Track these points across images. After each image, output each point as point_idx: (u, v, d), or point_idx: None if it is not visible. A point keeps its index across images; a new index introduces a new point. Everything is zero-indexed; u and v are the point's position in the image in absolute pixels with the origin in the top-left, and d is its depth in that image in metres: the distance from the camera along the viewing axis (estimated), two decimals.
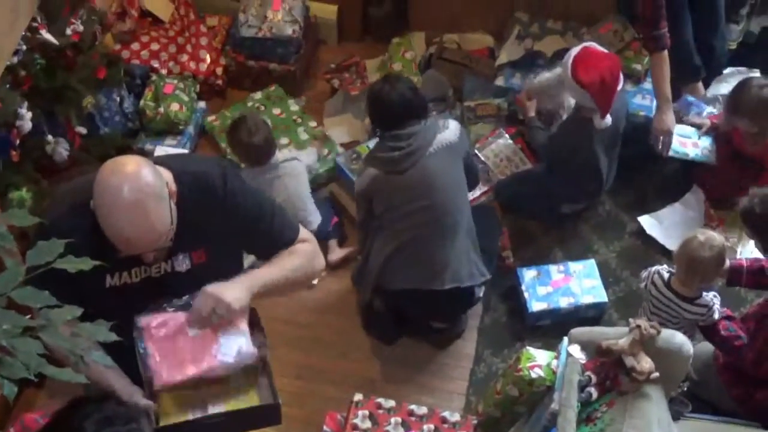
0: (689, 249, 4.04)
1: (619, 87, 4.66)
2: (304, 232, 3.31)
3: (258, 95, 5.47)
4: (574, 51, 4.69)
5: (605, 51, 4.70)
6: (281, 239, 3.24)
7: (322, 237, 4.80)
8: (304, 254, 3.26)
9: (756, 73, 5.34)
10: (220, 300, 3.00)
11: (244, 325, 3.09)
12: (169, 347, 3.03)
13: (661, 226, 5.10)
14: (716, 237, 4.08)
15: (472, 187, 4.64)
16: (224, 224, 3.08)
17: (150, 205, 2.77)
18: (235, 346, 3.05)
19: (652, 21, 4.93)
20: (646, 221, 5.11)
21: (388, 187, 4.30)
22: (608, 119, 4.63)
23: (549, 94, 5.08)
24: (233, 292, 3.02)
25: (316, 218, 4.91)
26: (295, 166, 4.86)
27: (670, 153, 5.01)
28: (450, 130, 4.34)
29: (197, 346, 3.05)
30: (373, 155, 4.39)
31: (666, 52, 4.97)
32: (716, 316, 4.08)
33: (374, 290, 4.56)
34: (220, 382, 3.10)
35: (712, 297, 4.13)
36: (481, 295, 4.62)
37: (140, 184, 2.77)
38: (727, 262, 4.22)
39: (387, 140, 4.31)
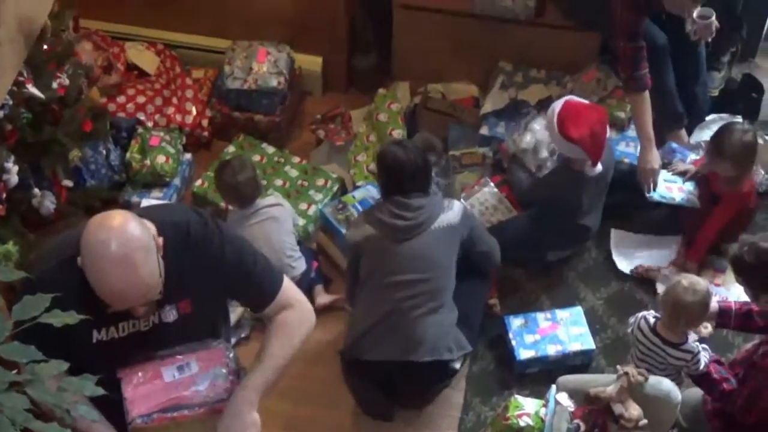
0: (674, 293, 4.06)
1: (607, 135, 4.69)
2: (291, 291, 3.30)
3: (231, 148, 5.47)
4: (557, 107, 4.70)
5: (587, 102, 4.73)
6: (265, 288, 3.24)
7: (305, 284, 4.81)
8: (292, 329, 3.27)
9: (738, 119, 5.39)
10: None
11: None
12: (146, 387, 3.04)
13: (625, 247, 5.18)
14: (700, 282, 4.11)
15: (491, 265, 4.68)
16: (207, 273, 3.09)
17: (138, 258, 2.78)
18: (210, 379, 3.09)
19: (632, 62, 4.99)
20: (615, 236, 5.19)
21: (381, 250, 4.31)
22: (599, 166, 4.67)
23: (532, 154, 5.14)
24: (252, 415, 3.13)
25: (300, 265, 4.90)
26: (279, 211, 4.87)
27: (657, 198, 5.05)
28: (453, 212, 4.37)
29: (175, 385, 3.07)
30: (375, 215, 4.37)
31: (647, 93, 5.04)
32: (702, 365, 4.09)
33: (350, 365, 4.51)
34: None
35: (698, 345, 4.14)
36: (458, 367, 4.56)
37: (128, 238, 2.78)
38: (716, 305, 4.25)
39: (391, 204, 4.31)
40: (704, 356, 4.13)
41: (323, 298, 4.96)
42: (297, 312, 3.29)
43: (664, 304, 4.14)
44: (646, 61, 5.02)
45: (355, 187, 5.30)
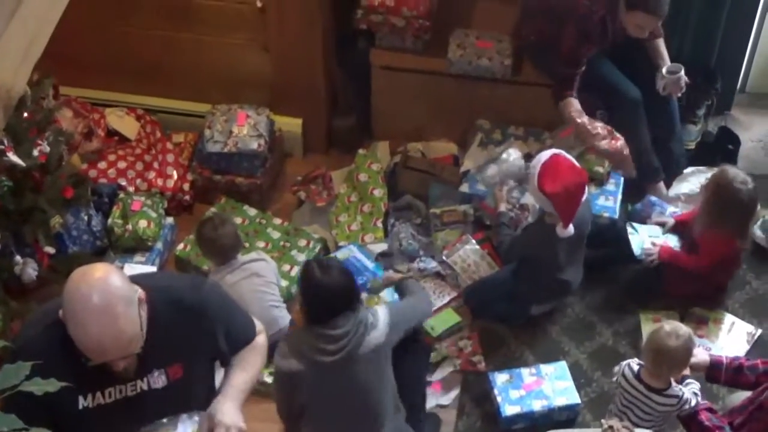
0: (656, 339, 4.10)
1: (584, 198, 4.72)
2: (258, 323, 3.37)
3: (213, 211, 5.46)
4: (543, 158, 4.74)
5: (573, 162, 4.76)
6: (244, 340, 3.30)
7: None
8: (262, 350, 3.39)
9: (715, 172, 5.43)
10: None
11: None
12: None
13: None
14: (682, 327, 4.14)
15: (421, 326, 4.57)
16: (197, 335, 3.10)
17: (119, 308, 2.80)
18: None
19: (568, 86, 5.27)
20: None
21: (311, 386, 4.00)
22: (570, 229, 4.68)
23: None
24: (237, 415, 3.14)
25: (285, 316, 4.91)
26: (261, 266, 4.86)
27: (637, 252, 5.08)
28: (379, 331, 4.03)
29: None
30: (299, 348, 3.99)
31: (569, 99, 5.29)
32: (693, 403, 4.10)
33: None
34: None
35: (682, 388, 4.15)
36: None
37: (109, 289, 2.80)
38: (708, 357, 4.29)
39: (313, 337, 3.96)
40: (692, 391, 4.16)
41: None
42: (264, 338, 3.45)
43: (647, 350, 4.17)
44: (576, 82, 5.26)
45: (338, 247, 5.31)
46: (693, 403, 4.11)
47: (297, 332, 4.18)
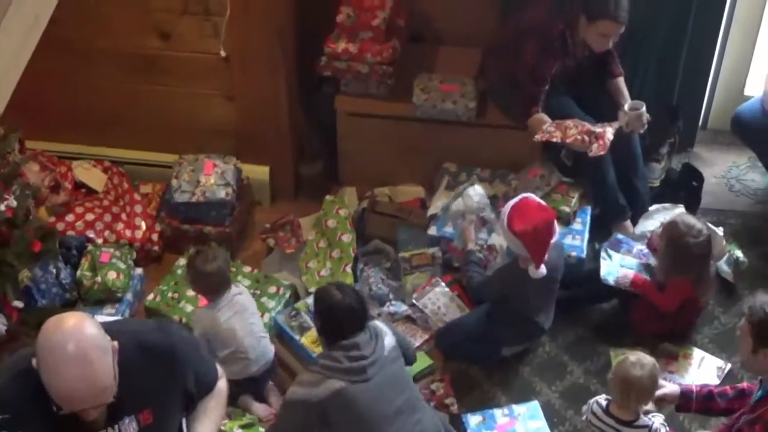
0: (622, 370, 4.15)
1: (554, 239, 4.75)
2: (219, 369, 3.40)
3: (182, 261, 5.44)
4: (513, 201, 4.79)
5: (542, 203, 4.80)
6: (211, 383, 3.31)
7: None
8: (224, 397, 3.42)
9: (680, 209, 5.50)
10: None
11: None
12: None
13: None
14: (646, 357, 4.19)
15: (410, 363, 4.58)
16: (167, 379, 3.10)
17: (94, 356, 2.79)
18: None
19: (533, 103, 5.32)
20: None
21: (354, 399, 4.08)
22: (543, 270, 4.70)
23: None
24: None
25: (271, 349, 4.93)
26: (245, 299, 4.83)
27: (611, 281, 5.13)
28: (389, 336, 4.26)
29: None
30: (334, 367, 4.09)
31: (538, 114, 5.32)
32: None
33: None
34: None
35: (651, 418, 4.20)
36: None
37: (83, 337, 2.80)
38: (677, 388, 4.33)
39: (340, 350, 4.11)
40: (660, 422, 4.21)
41: (259, 408, 4.88)
42: (224, 382, 3.47)
43: (613, 382, 4.21)
44: (540, 103, 5.31)
45: (309, 293, 5.31)
46: None
47: (323, 357, 4.21)
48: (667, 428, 4.21)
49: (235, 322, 4.71)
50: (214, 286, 4.71)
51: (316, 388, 4.07)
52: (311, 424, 4.14)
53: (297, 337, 5.01)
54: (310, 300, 5.10)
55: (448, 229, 5.46)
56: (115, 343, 2.94)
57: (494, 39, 5.61)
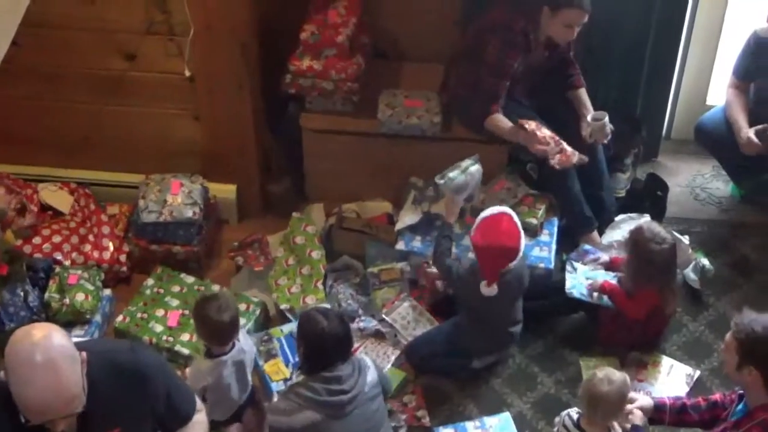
0: (590, 386, 4.15)
1: (511, 265, 4.75)
2: (198, 402, 3.36)
3: (150, 281, 5.46)
4: (491, 211, 4.83)
5: (514, 229, 4.76)
6: (185, 412, 3.28)
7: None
8: (203, 428, 3.34)
9: (646, 218, 5.54)
10: None
11: None
12: None
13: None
14: (615, 372, 4.19)
15: (386, 394, 4.57)
16: (136, 399, 3.09)
17: (62, 365, 2.80)
18: None
19: (492, 98, 5.34)
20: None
21: (333, 430, 4.10)
22: (493, 289, 4.73)
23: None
24: None
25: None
26: (248, 358, 4.72)
27: (576, 295, 5.15)
28: (371, 370, 4.24)
29: None
30: (312, 398, 4.07)
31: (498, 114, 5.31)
32: None
33: None
34: None
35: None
36: None
37: (51, 346, 2.81)
38: (651, 401, 4.34)
39: (320, 382, 4.09)
40: None
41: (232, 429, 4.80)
42: (203, 415, 3.46)
43: (582, 398, 4.22)
44: (502, 98, 5.32)
45: (282, 312, 5.32)
46: None
47: (301, 386, 4.16)
48: None
49: (233, 380, 4.60)
50: (224, 336, 4.52)
51: (298, 415, 4.06)
52: None
53: (261, 362, 4.98)
54: (286, 327, 5.09)
55: (416, 244, 5.48)
56: (84, 353, 2.94)
57: (455, 48, 5.64)
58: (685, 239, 5.35)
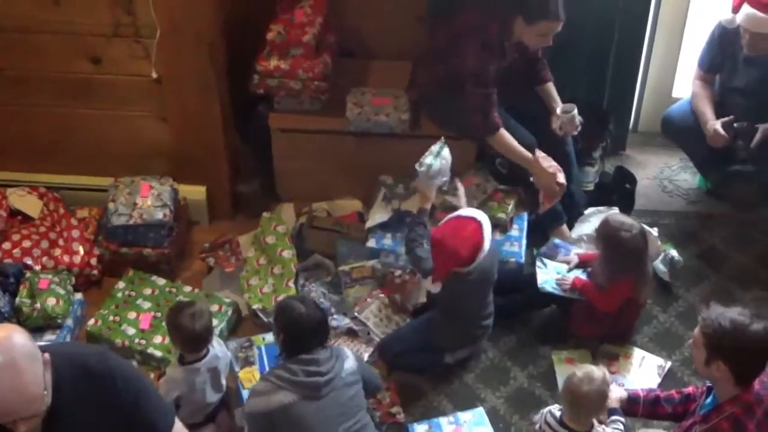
0: (570, 385, 4.17)
1: (464, 270, 4.75)
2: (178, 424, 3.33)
3: (121, 284, 5.46)
4: (464, 211, 4.87)
5: (480, 238, 4.75)
6: (162, 423, 3.24)
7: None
8: None
9: (615, 210, 5.58)
10: None
11: None
12: None
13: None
14: (595, 370, 4.20)
15: (373, 394, 4.65)
16: (104, 405, 3.07)
17: (23, 365, 2.79)
18: None
19: (482, 108, 5.30)
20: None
21: (302, 414, 4.14)
22: (437, 287, 4.78)
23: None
24: None
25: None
26: (223, 364, 4.73)
27: (548, 289, 5.18)
28: (350, 359, 4.32)
29: None
30: (288, 378, 4.14)
31: (502, 129, 5.33)
32: None
33: None
34: None
35: (605, 428, 4.23)
36: None
37: (12, 345, 2.80)
38: (625, 393, 4.38)
39: (298, 364, 4.16)
40: (617, 429, 4.24)
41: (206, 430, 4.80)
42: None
43: (563, 397, 4.24)
44: (495, 108, 5.28)
45: (257, 317, 5.31)
46: None
47: (279, 368, 4.24)
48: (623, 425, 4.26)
49: (207, 386, 4.61)
50: (198, 344, 4.54)
51: (266, 398, 4.13)
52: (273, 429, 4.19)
53: (237, 368, 4.98)
54: (270, 336, 5.06)
55: (387, 241, 5.49)
56: (46, 355, 2.93)
57: (424, 47, 5.64)
58: (654, 231, 5.38)
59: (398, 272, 5.34)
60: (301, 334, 4.21)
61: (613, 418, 4.29)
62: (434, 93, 5.55)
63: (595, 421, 4.22)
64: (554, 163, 5.41)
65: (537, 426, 4.38)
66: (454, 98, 5.39)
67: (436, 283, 4.79)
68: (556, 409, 4.33)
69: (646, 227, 5.22)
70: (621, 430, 4.25)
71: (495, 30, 5.26)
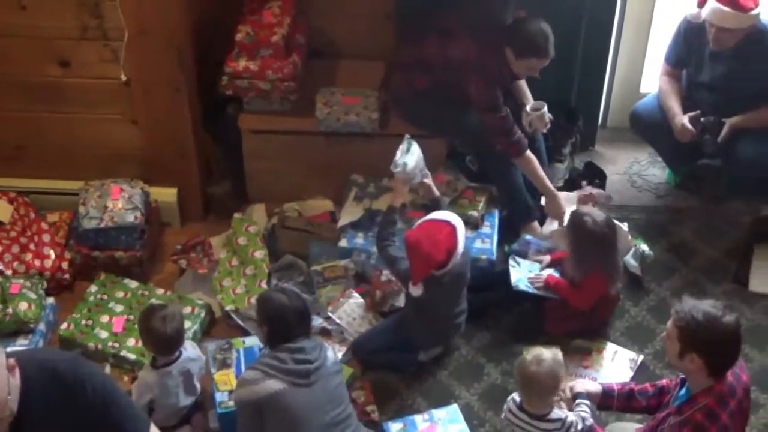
0: (521, 368, 4.25)
1: (439, 273, 4.76)
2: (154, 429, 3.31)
3: (93, 288, 5.44)
4: (438, 215, 4.86)
5: (452, 239, 4.76)
6: (129, 430, 3.22)
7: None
8: None
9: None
10: None
11: None
12: None
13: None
14: (545, 352, 4.26)
15: None
16: (73, 413, 3.05)
17: None
18: None
19: (503, 131, 5.33)
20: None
21: (291, 402, 4.17)
22: (419, 290, 4.77)
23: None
24: None
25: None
26: (195, 367, 4.76)
27: (522, 288, 5.21)
28: (331, 350, 4.40)
29: None
30: (277, 366, 4.18)
31: (530, 152, 5.38)
32: (579, 427, 4.23)
33: None
34: None
35: (566, 411, 4.29)
36: None
37: None
38: (600, 387, 4.41)
39: (285, 352, 4.21)
40: (580, 414, 4.27)
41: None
42: None
43: (517, 381, 4.33)
44: (515, 125, 5.34)
45: (230, 318, 5.32)
46: (579, 426, 4.22)
47: (267, 357, 4.28)
48: (590, 420, 4.28)
49: (180, 390, 4.64)
50: (169, 347, 4.59)
51: (254, 387, 4.16)
52: (259, 417, 4.22)
53: (213, 370, 4.94)
54: (249, 340, 5.03)
55: (359, 240, 5.50)
56: (13, 361, 2.92)
57: (401, 54, 5.65)
58: (624, 226, 5.41)
59: (386, 270, 5.33)
60: (286, 323, 4.26)
61: (578, 401, 4.34)
62: (409, 97, 5.59)
63: (559, 408, 4.27)
64: (565, 208, 5.49)
65: (503, 415, 4.44)
66: (435, 104, 5.46)
67: (418, 285, 4.79)
68: (517, 395, 4.39)
69: (617, 222, 5.24)
70: (587, 413, 4.29)
71: (494, 64, 5.33)
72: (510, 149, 5.40)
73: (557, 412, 4.25)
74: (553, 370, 4.21)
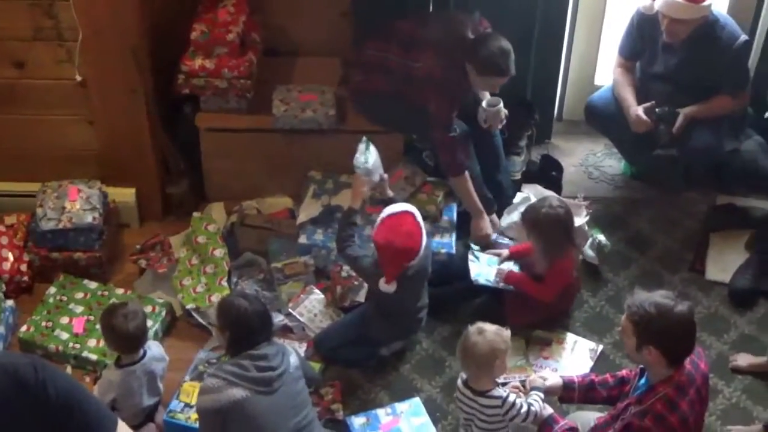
0: (463, 338, 4.32)
1: (413, 262, 4.78)
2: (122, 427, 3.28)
3: (52, 289, 5.42)
4: (394, 209, 4.86)
5: (418, 228, 4.80)
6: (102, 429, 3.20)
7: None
8: None
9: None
10: None
11: None
12: None
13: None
14: (488, 326, 4.31)
15: (310, 387, 4.63)
16: (36, 416, 3.02)
17: None
18: None
19: (451, 149, 5.38)
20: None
21: (253, 410, 4.14)
22: (392, 287, 4.78)
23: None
24: None
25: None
26: (159, 367, 4.75)
27: (482, 281, 5.23)
28: (293, 355, 4.37)
29: None
30: (240, 374, 4.14)
31: (467, 173, 5.41)
32: (523, 410, 4.26)
33: None
34: None
35: (507, 390, 4.34)
36: None
37: None
38: (560, 379, 4.44)
39: (247, 359, 4.17)
40: (529, 401, 4.30)
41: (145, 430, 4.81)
42: None
43: (458, 353, 4.37)
44: (461, 147, 5.37)
45: (191, 316, 5.31)
46: (523, 409, 4.26)
47: (229, 364, 4.23)
48: (539, 409, 4.30)
49: (144, 390, 4.63)
50: (132, 345, 4.58)
51: (217, 395, 4.12)
52: (222, 426, 4.18)
53: (187, 377, 4.95)
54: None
55: (318, 237, 5.52)
56: None
57: (362, 53, 5.63)
58: (582, 206, 5.46)
59: (345, 266, 5.35)
60: (249, 329, 4.24)
61: (533, 392, 4.37)
62: (369, 94, 5.61)
63: (507, 390, 4.31)
64: (490, 229, 5.57)
65: (455, 395, 4.49)
66: (395, 102, 5.47)
67: (391, 283, 4.80)
68: (464, 373, 4.43)
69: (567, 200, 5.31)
70: (537, 402, 4.32)
71: (456, 83, 5.35)
72: (450, 168, 5.46)
73: (499, 390, 4.30)
74: (493, 342, 4.25)
